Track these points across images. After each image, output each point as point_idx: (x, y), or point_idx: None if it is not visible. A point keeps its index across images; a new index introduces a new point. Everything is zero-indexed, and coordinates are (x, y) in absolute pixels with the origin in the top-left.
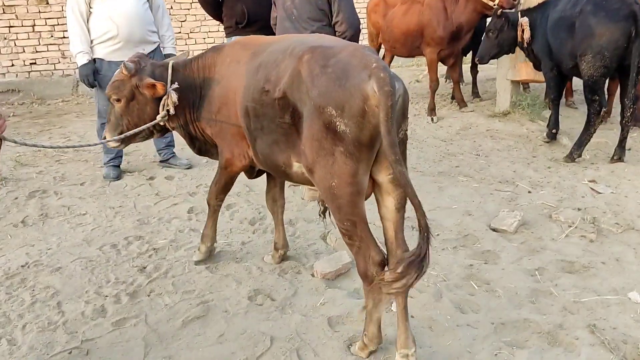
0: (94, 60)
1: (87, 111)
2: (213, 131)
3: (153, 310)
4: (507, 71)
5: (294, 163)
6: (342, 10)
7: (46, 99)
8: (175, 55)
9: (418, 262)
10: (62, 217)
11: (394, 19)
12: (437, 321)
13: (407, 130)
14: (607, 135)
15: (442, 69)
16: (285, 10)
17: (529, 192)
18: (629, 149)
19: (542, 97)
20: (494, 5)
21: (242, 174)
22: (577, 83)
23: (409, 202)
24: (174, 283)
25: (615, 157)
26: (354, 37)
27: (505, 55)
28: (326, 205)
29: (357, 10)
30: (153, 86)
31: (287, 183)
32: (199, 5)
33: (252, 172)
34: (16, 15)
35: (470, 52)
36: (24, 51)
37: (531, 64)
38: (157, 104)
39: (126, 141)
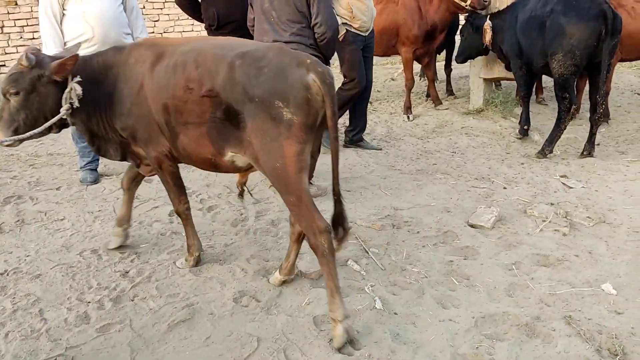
0: None
1: None
2: (130, 132)
3: (138, 315)
4: (480, 69)
5: (228, 153)
6: (321, 11)
7: None
8: None
9: (343, 221)
10: (40, 223)
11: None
12: (420, 317)
13: None
14: (576, 131)
15: (416, 67)
16: (264, 12)
17: (504, 188)
18: (598, 144)
19: (514, 95)
20: (466, 5)
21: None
22: (546, 80)
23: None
24: (158, 287)
25: (585, 153)
26: (334, 38)
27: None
28: (245, 188)
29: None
30: (63, 65)
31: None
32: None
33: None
34: None
35: (444, 50)
36: None
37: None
38: (59, 96)
39: (23, 139)
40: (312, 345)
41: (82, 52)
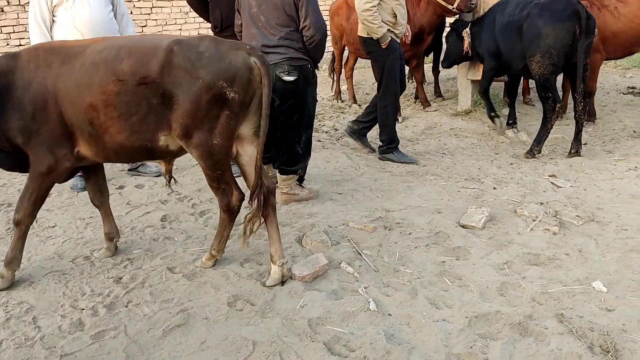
0: None
1: None
2: (25, 139)
3: (132, 321)
4: (467, 71)
5: (161, 137)
6: (310, 15)
7: None
8: None
9: (264, 193)
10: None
11: (358, 22)
12: (413, 318)
13: None
14: (563, 130)
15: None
16: (252, 17)
17: (494, 188)
18: (585, 144)
19: (501, 95)
20: (453, 8)
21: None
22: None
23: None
24: (152, 292)
25: (572, 151)
26: (322, 41)
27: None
28: (172, 177)
29: None
30: None
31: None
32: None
33: (69, 175)
34: None
35: (432, 52)
36: None
37: None
38: None
39: None
40: (308, 348)
41: None
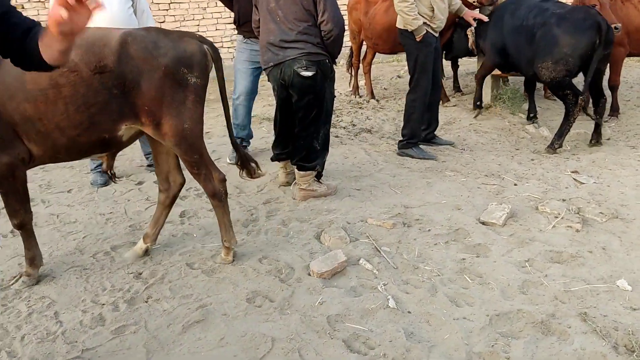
0: None
1: None
2: None
3: (152, 316)
4: None
5: (122, 128)
6: (328, 9)
7: None
8: None
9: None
10: (52, 225)
11: (376, 16)
12: (433, 315)
13: None
14: (586, 126)
15: None
16: (270, 12)
17: (515, 184)
18: (608, 139)
19: (522, 91)
20: (474, 2)
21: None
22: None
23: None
24: (171, 288)
25: (592, 141)
26: (340, 36)
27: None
28: (114, 173)
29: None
30: None
31: (278, 182)
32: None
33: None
34: None
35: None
36: None
37: None
38: None
39: None
40: (327, 345)
41: None
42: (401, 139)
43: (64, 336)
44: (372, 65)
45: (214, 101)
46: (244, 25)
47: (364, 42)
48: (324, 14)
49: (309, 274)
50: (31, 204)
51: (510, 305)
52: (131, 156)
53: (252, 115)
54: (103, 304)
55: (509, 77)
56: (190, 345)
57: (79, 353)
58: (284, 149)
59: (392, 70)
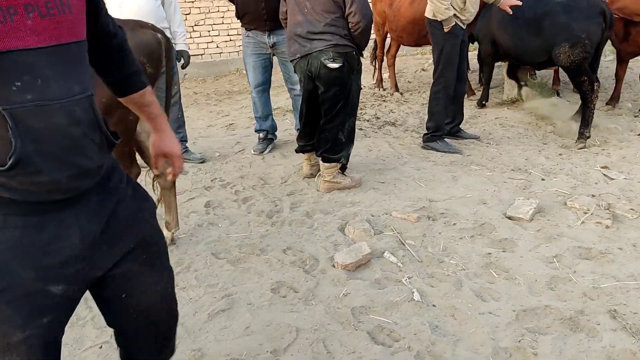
0: None
1: None
2: None
3: (179, 303)
4: None
5: None
6: (356, 1)
7: None
8: (187, 51)
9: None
10: None
11: (401, 8)
12: (459, 309)
13: None
14: (617, 121)
15: None
16: (297, 3)
17: (542, 179)
18: (639, 135)
19: (550, 84)
20: None
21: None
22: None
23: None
24: (197, 277)
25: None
26: (368, 28)
27: None
28: None
29: None
30: None
31: (302, 175)
32: None
33: None
34: None
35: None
36: None
37: None
38: None
39: None
40: (351, 337)
41: None
42: (425, 132)
43: (93, 322)
44: (396, 58)
45: (237, 93)
46: (244, 17)
47: (388, 35)
48: (352, 6)
49: (333, 266)
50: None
51: (537, 301)
52: None
53: (274, 107)
54: None
55: (536, 71)
56: (216, 333)
57: (108, 338)
58: (309, 141)
59: (417, 63)
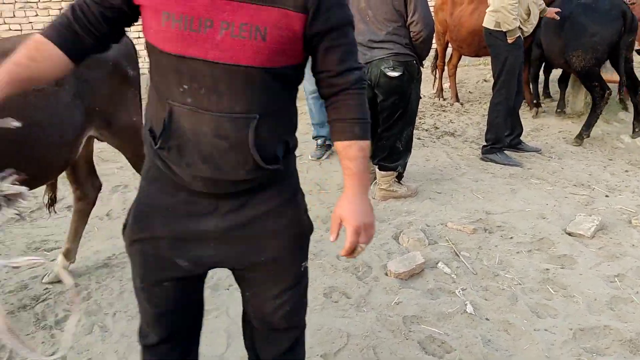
0: None
1: None
2: None
3: (233, 303)
4: None
5: (83, 141)
6: (418, 10)
7: None
8: None
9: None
10: None
11: (461, 18)
12: (513, 325)
13: None
14: None
15: None
16: (360, 12)
17: (606, 196)
18: None
19: (617, 98)
20: None
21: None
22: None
23: None
24: None
25: (636, 130)
26: (429, 37)
27: None
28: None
29: None
30: None
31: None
32: None
33: None
34: None
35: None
36: None
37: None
38: None
39: None
40: (402, 345)
41: None
42: (485, 143)
43: None
44: (457, 68)
45: (298, 99)
46: None
47: (450, 44)
48: (414, 15)
49: (386, 274)
50: (125, 189)
51: (596, 321)
52: None
53: None
54: None
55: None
56: None
57: None
58: None
59: (479, 74)
